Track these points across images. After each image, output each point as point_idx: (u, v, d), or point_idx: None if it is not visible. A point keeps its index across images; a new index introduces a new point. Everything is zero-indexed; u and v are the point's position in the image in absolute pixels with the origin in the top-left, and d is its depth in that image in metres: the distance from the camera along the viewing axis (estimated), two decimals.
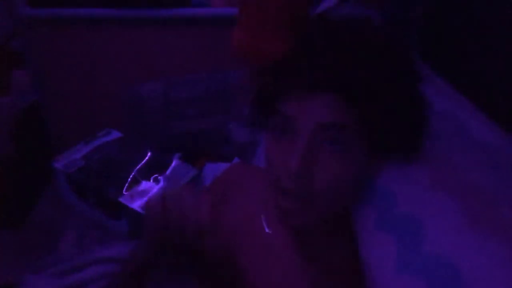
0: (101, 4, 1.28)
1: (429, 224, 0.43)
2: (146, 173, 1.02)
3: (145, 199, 0.96)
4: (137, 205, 0.95)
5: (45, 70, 1.36)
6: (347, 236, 0.54)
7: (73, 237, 1.03)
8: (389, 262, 0.43)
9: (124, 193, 0.97)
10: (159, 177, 1.01)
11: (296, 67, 0.47)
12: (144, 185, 1.00)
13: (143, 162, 1.05)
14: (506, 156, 0.50)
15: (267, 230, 0.59)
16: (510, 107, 0.61)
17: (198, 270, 0.64)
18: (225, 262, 0.60)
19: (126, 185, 0.99)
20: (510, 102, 0.62)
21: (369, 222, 0.49)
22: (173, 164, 1.05)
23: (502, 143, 0.52)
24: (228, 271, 0.60)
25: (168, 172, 1.03)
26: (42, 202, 1.25)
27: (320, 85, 0.45)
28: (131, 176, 1.01)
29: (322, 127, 0.45)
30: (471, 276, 0.37)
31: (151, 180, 1.01)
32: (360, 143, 0.47)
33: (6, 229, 1.23)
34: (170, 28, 1.29)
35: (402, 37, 0.48)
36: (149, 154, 1.08)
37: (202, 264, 0.63)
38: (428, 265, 0.40)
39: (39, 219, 1.27)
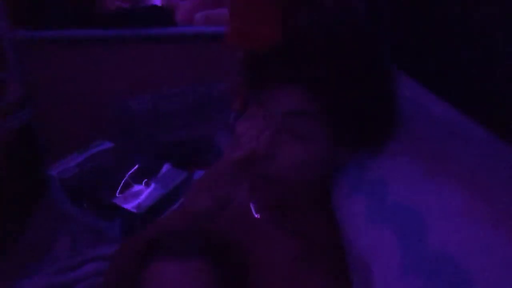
0: (88, 25, 1.35)
1: (428, 215, 0.42)
2: (137, 178, 1.08)
3: (138, 200, 1.01)
4: (130, 206, 1.00)
5: (37, 89, 1.41)
6: (328, 213, 0.57)
7: (68, 243, 1.06)
8: (393, 262, 0.42)
9: (117, 195, 1.02)
10: (150, 181, 1.07)
11: (265, 61, 0.49)
12: (136, 188, 1.05)
13: (134, 168, 1.11)
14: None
15: (256, 216, 0.63)
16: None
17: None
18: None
19: (119, 188, 1.04)
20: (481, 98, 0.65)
21: (360, 213, 0.49)
22: (164, 169, 1.11)
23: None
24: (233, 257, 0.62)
25: (159, 175, 1.09)
26: (36, 214, 1.27)
27: (290, 79, 0.48)
28: (123, 181, 1.06)
29: (289, 115, 0.48)
30: (475, 274, 0.35)
31: (143, 184, 1.06)
32: (325, 132, 0.49)
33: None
34: (157, 46, 1.38)
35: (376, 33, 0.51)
36: (139, 161, 1.14)
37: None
38: (434, 263, 0.39)
39: (34, 232, 1.28)
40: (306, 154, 0.49)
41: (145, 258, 0.54)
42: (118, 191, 1.03)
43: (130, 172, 1.09)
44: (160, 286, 0.50)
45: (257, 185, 0.52)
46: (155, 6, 1.51)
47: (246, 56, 0.54)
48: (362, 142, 0.52)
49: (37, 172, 1.18)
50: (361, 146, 0.53)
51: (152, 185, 1.06)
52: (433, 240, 0.40)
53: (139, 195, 1.03)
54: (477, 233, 0.37)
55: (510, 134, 0.52)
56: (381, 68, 0.51)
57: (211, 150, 1.35)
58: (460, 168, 0.45)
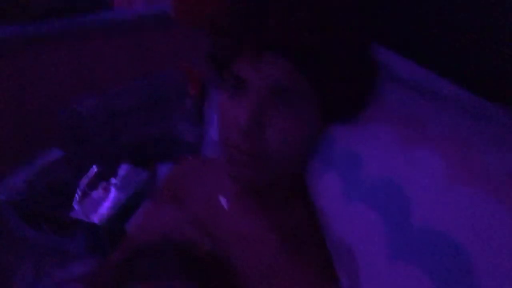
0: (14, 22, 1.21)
1: (409, 186, 0.38)
2: (93, 184, 0.99)
3: (99, 210, 0.92)
4: (91, 218, 0.91)
5: None
6: (304, 200, 0.54)
7: (30, 269, 0.98)
8: (378, 246, 0.38)
9: (75, 208, 0.93)
10: (108, 186, 0.98)
11: (245, 28, 0.47)
12: (95, 195, 0.96)
13: (90, 175, 1.01)
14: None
15: (226, 208, 0.59)
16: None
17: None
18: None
19: (77, 199, 0.95)
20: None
21: (335, 192, 0.46)
22: (122, 170, 1.02)
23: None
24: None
25: (118, 178, 1.00)
26: None
27: (268, 47, 0.45)
28: (80, 191, 0.97)
29: (273, 89, 0.46)
30: (469, 246, 0.31)
31: (100, 189, 0.97)
32: (311, 105, 0.48)
33: None
34: (96, 39, 1.26)
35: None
36: (95, 167, 1.05)
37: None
38: (423, 243, 0.34)
39: None
40: (294, 129, 0.48)
41: (120, 285, 0.50)
42: (75, 202, 0.94)
43: (86, 178, 0.99)
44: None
45: (240, 164, 0.49)
46: None
47: (214, 24, 0.50)
48: (344, 114, 0.49)
49: None
50: (341, 118, 0.49)
51: (112, 190, 0.97)
52: (418, 216, 0.35)
53: (99, 204, 0.94)
54: (463, 200, 0.33)
55: (484, 88, 0.48)
56: (363, 36, 0.51)
57: (176, 142, 1.27)
58: (437, 131, 0.40)
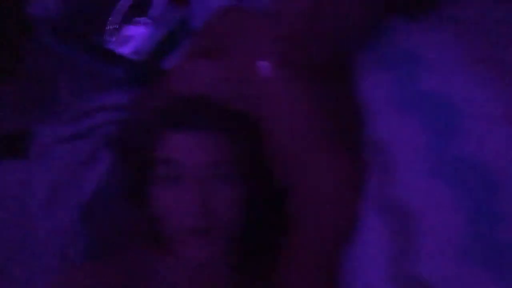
0: None
1: (464, 110, 0.37)
2: (127, 16, 0.96)
3: (134, 45, 0.93)
4: (127, 51, 0.92)
5: None
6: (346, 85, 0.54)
7: (70, 87, 1.03)
8: (418, 161, 0.39)
9: (111, 38, 0.93)
10: (143, 20, 0.96)
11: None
12: (130, 30, 0.95)
13: (125, 6, 0.98)
14: None
15: (265, 72, 0.59)
16: None
17: None
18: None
19: (112, 29, 0.94)
20: None
21: (389, 95, 0.45)
22: (157, 7, 0.98)
23: None
24: None
25: (152, 15, 0.97)
26: (29, 52, 1.20)
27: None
28: (114, 22, 0.95)
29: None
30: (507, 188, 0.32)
31: (135, 23, 0.95)
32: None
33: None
34: None
35: None
36: None
37: None
38: (463, 171, 0.35)
39: (31, 70, 1.24)
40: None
41: (157, 129, 0.54)
42: (111, 32, 0.94)
43: (119, 8, 0.96)
44: (173, 153, 0.52)
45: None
46: None
47: None
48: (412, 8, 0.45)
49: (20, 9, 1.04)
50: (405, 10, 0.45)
51: (147, 27, 0.95)
52: (466, 142, 0.36)
53: (134, 38, 0.93)
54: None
55: None
56: None
57: None
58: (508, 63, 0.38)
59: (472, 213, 0.33)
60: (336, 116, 0.54)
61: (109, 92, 0.93)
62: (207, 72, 0.64)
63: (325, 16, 0.45)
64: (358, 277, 0.42)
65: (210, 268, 0.56)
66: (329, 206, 0.49)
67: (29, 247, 0.69)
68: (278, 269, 0.54)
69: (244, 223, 0.54)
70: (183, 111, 0.54)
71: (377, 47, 0.48)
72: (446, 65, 0.41)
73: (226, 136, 0.52)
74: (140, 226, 0.60)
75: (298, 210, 0.53)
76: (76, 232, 0.70)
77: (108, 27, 0.94)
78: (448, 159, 0.36)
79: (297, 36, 0.47)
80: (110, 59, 0.96)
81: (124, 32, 0.95)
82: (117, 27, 0.95)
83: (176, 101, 0.57)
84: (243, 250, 0.57)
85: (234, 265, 0.57)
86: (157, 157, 0.53)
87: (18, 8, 1.01)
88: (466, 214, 0.33)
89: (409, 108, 0.42)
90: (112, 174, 0.75)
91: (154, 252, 0.58)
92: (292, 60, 0.52)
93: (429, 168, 0.38)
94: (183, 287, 0.56)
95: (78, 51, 1.01)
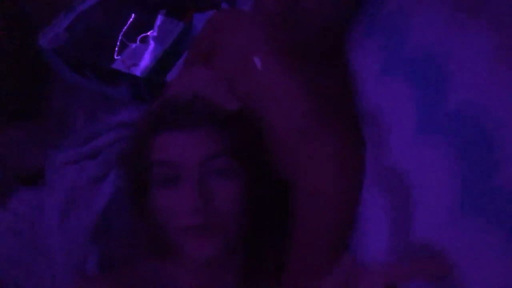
0: None
1: (451, 65, 0.34)
2: (132, 35, 0.99)
3: (139, 62, 0.94)
4: (132, 69, 0.94)
5: None
6: (340, 61, 0.52)
7: (84, 114, 1.06)
8: (408, 120, 0.37)
9: (115, 59, 0.96)
10: (146, 37, 0.98)
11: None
12: (133, 47, 0.97)
13: (127, 24, 1.01)
14: None
15: (259, 66, 0.58)
16: None
17: None
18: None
19: (116, 50, 0.97)
20: None
21: (374, 61, 0.44)
22: (159, 21, 1.00)
23: None
24: None
25: (154, 30, 0.99)
26: (52, 88, 1.24)
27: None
28: (118, 41, 0.98)
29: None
30: (500, 137, 0.29)
31: (138, 42, 0.98)
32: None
33: (22, 121, 1.26)
34: None
35: None
36: (132, 15, 1.03)
37: None
38: (452, 122, 0.33)
39: (52, 106, 1.28)
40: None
41: (150, 133, 0.54)
42: (115, 53, 0.96)
43: (124, 29, 0.99)
44: (168, 154, 0.51)
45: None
46: None
47: None
48: None
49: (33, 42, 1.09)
50: None
51: (150, 42, 0.97)
52: (454, 96, 0.33)
53: (138, 56, 0.95)
54: (507, 88, 0.29)
55: None
56: None
57: None
58: (494, 11, 0.34)
59: (466, 164, 0.30)
60: (333, 98, 0.52)
61: (118, 111, 0.95)
62: (203, 77, 0.64)
63: None
64: (364, 253, 0.41)
65: (216, 267, 0.55)
66: (329, 197, 0.48)
67: (42, 265, 0.69)
68: (283, 264, 0.51)
69: (247, 218, 0.52)
70: (171, 112, 0.54)
71: (365, 17, 0.46)
72: (431, 24, 0.38)
73: (218, 129, 0.51)
74: (146, 235, 0.59)
75: (298, 203, 0.51)
76: (89, 248, 0.70)
77: (112, 46, 0.97)
78: (438, 115, 0.34)
79: (278, 15, 0.46)
80: (114, 80, 0.98)
81: (128, 50, 0.97)
82: (121, 45, 0.97)
83: (165, 104, 0.57)
84: (248, 246, 0.55)
85: (239, 263, 0.56)
86: (153, 161, 0.52)
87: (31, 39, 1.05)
88: (460, 166, 0.30)
89: (396, 71, 0.40)
90: (121, 189, 0.75)
91: (161, 260, 0.57)
92: (279, 42, 0.51)
93: (418, 128, 0.35)
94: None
95: (88, 77, 1.04)
